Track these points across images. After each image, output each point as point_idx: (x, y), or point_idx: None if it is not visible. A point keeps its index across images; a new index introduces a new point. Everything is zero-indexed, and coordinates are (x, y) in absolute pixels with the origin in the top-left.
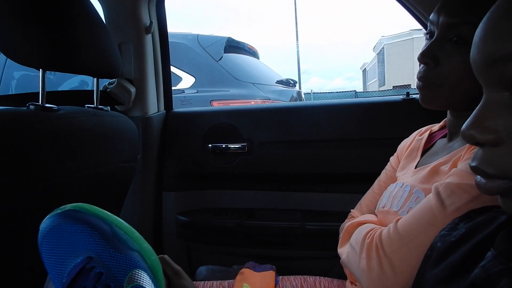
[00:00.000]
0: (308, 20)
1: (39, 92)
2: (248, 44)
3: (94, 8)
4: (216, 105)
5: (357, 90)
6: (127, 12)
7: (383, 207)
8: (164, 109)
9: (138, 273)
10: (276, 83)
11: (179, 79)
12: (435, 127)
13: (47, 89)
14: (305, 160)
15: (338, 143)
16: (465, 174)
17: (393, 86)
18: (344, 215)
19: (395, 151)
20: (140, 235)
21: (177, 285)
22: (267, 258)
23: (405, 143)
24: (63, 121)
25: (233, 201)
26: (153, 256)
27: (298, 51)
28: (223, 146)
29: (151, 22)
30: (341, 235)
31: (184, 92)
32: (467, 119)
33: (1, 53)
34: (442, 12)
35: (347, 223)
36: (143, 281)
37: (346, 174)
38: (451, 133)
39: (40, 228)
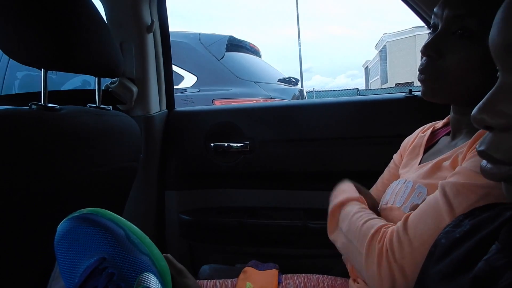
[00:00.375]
0: (310, 18)
1: (41, 92)
2: (250, 43)
3: (95, 7)
4: (218, 104)
5: (359, 88)
6: (128, 11)
7: (386, 204)
8: (166, 108)
9: (148, 276)
10: (278, 81)
11: (181, 78)
12: (439, 124)
13: (50, 89)
14: (307, 159)
15: (341, 141)
16: (471, 173)
17: (396, 84)
18: None
19: (398, 149)
20: (151, 241)
21: (181, 284)
22: (270, 257)
23: (408, 140)
24: (65, 120)
25: (236, 199)
26: (163, 261)
27: (300, 49)
28: (225, 145)
29: (152, 21)
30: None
31: (186, 91)
32: (470, 115)
33: (4, 53)
34: (447, 5)
35: (329, 207)
36: (152, 284)
37: (349, 172)
38: (455, 131)
39: (57, 230)
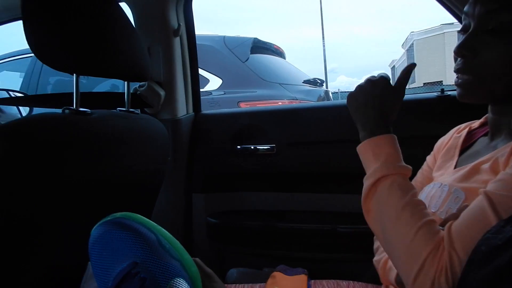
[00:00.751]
0: (335, 18)
1: (73, 96)
2: (274, 44)
3: (124, 13)
4: (244, 106)
5: None
6: (155, 15)
7: None
8: (193, 111)
9: (179, 281)
10: (303, 82)
11: (207, 81)
12: (475, 124)
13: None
14: (336, 161)
15: None
16: None
17: (424, 83)
18: None
19: (431, 150)
20: (181, 246)
21: None
22: (298, 261)
23: (442, 141)
24: (96, 124)
25: (263, 202)
26: (194, 267)
27: (324, 50)
28: (252, 147)
29: (179, 25)
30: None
31: (211, 94)
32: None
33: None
34: (478, 1)
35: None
36: None
37: None
38: (493, 131)
39: (91, 234)
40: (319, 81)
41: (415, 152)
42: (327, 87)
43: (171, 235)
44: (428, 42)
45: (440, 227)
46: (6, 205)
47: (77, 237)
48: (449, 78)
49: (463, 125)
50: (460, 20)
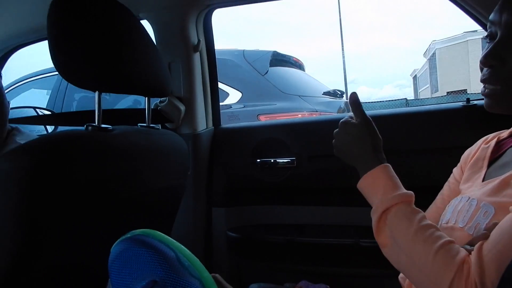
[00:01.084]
0: (354, 29)
1: (95, 113)
2: (293, 57)
3: (145, 30)
4: (263, 119)
5: (408, 98)
6: (176, 32)
7: (447, 223)
8: (213, 125)
9: None
10: (323, 94)
11: (226, 94)
12: (504, 134)
13: (105, 108)
14: (357, 173)
15: (393, 155)
16: None
17: (447, 92)
18: None
19: (458, 162)
20: (201, 263)
21: None
22: (320, 276)
23: (469, 153)
24: (117, 140)
25: (284, 216)
26: (213, 286)
27: (344, 61)
28: (271, 161)
29: (199, 41)
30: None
31: (231, 107)
32: None
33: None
34: (505, 9)
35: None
36: None
37: (404, 187)
38: None
39: (111, 251)
40: (339, 93)
41: (441, 164)
42: (347, 98)
43: (190, 253)
44: (451, 50)
45: (468, 246)
46: (29, 220)
47: (98, 254)
48: (474, 86)
49: (491, 135)
50: (484, 28)
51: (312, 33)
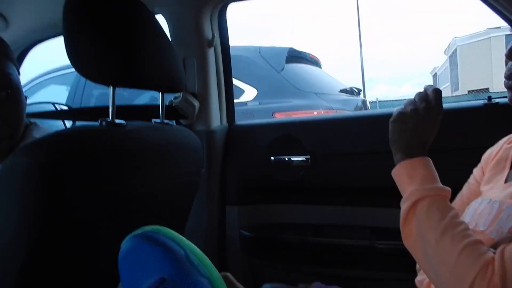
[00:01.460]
0: (372, 25)
1: (109, 108)
2: (310, 54)
3: (159, 25)
4: (279, 117)
5: None
6: (190, 27)
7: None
8: (227, 122)
9: None
10: (339, 92)
11: (242, 91)
12: None
13: (123, 104)
14: (373, 173)
15: None
16: None
17: (469, 91)
18: None
19: (479, 162)
20: (211, 262)
21: None
22: (334, 278)
23: (490, 153)
24: (130, 136)
25: (298, 216)
26: (222, 285)
27: (361, 58)
28: (286, 159)
29: (213, 36)
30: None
31: (246, 104)
32: None
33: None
34: None
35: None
36: None
37: None
38: None
39: (121, 248)
40: (356, 90)
41: (461, 165)
42: (364, 96)
43: (200, 251)
44: (473, 47)
45: (491, 249)
46: (43, 214)
47: (110, 250)
48: (496, 85)
49: None
50: (510, 23)
51: (330, 30)
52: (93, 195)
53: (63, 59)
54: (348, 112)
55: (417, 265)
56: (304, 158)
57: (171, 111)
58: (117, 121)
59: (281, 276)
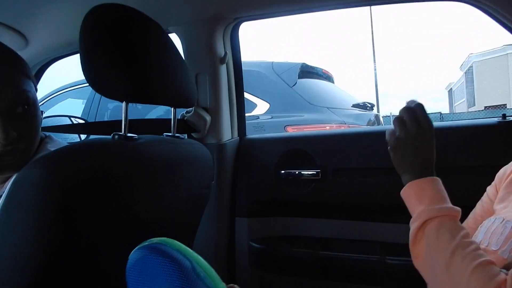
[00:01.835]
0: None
1: (121, 122)
2: (322, 69)
3: (172, 43)
4: (291, 131)
5: (442, 112)
6: (203, 45)
7: (479, 245)
8: (238, 135)
9: None
10: (352, 106)
11: (254, 105)
12: None
13: (136, 117)
14: (384, 188)
15: None
16: None
17: (485, 107)
18: None
19: (492, 180)
20: (216, 274)
21: None
22: None
23: (504, 171)
24: (142, 149)
25: (307, 229)
26: None
27: (375, 73)
28: (296, 172)
29: (225, 53)
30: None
31: (258, 118)
32: None
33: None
34: None
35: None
36: None
37: None
38: None
39: (129, 258)
40: (369, 105)
41: (475, 182)
42: (378, 111)
43: (206, 263)
44: (489, 64)
45: (503, 270)
46: (56, 226)
47: (119, 261)
48: None
49: None
50: None
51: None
52: (104, 207)
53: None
54: (359, 127)
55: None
56: (314, 172)
57: (183, 125)
58: (129, 135)
59: None
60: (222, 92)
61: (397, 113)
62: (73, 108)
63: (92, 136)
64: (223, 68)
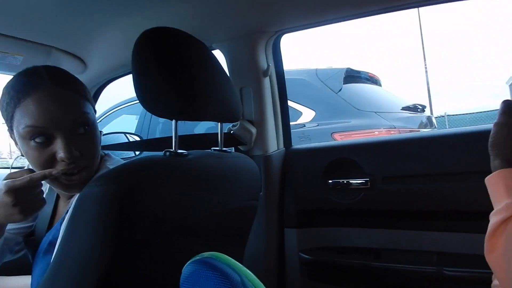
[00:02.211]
0: (437, 36)
1: (172, 139)
2: (368, 73)
3: (217, 60)
4: (337, 137)
5: None
6: (246, 59)
7: None
8: (284, 146)
9: None
10: (401, 109)
11: (299, 113)
12: None
13: (185, 131)
14: (438, 195)
15: (481, 176)
16: None
17: None
18: None
19: None
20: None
21: None
22: None
23: None
24: (192, 164)
25: (358, 239)
26: None
27: (426, 72)
28: (344, 181)
29: (268, 66)
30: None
31: (304, 126)
32: None
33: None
34: None
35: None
36: None
37: (490, 211)
38: None
39: (183, 272)
40: (419, 107)
41: None
42: (431, 112)
43: (255, 277)
44: None
45: None
46: (114, 243)
47: (172, 274)
48: None
49: None
50: None
51: (390, 46)
52: (158, 221)
53: (131, 92)
54: (406, 133)
55: (493, 283)
56: (363, 181)
57: (230, 138)
58: (179, 151)
59: None
60: (267, 104)
61: (453, 112)
62: (127, 124)
63: (145, 153)
64: (266, 80)
